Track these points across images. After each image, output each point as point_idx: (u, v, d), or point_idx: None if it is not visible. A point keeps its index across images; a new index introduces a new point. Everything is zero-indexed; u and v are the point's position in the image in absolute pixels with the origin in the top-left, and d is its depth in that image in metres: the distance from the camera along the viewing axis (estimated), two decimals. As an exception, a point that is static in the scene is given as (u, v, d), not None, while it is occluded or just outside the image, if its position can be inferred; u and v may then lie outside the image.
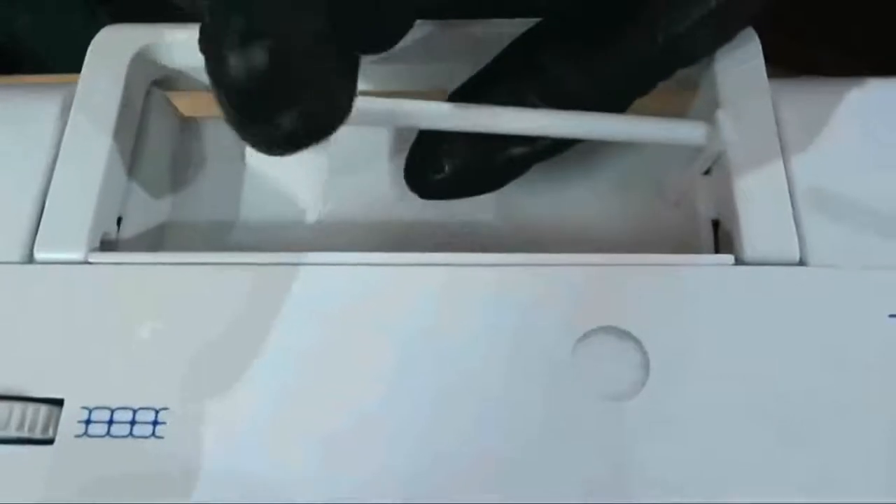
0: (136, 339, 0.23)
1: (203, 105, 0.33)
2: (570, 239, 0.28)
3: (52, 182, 0.25)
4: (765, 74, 0.26)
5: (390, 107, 0.24)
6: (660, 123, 0.25)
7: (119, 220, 0.27)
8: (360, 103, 0.24)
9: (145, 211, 0.28)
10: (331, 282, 0.23)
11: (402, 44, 0.23)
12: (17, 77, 0.42)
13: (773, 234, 0.23)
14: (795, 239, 0.23)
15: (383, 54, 0.23)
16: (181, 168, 0.30)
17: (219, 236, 0.28)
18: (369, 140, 0.29)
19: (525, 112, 0.24)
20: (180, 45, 0.28)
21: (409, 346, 0.22)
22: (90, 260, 0.24)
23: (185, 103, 0.32)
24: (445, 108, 0.24)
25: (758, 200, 0.24)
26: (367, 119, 0.24)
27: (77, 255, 0.24)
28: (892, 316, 0.23)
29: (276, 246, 0.27)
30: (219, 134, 0.31)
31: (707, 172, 0.27)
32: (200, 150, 0.31)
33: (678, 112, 0.30)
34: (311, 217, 0.28)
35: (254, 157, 0.30)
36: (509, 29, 0.27)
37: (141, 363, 0.22)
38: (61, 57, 0.35)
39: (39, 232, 0.24)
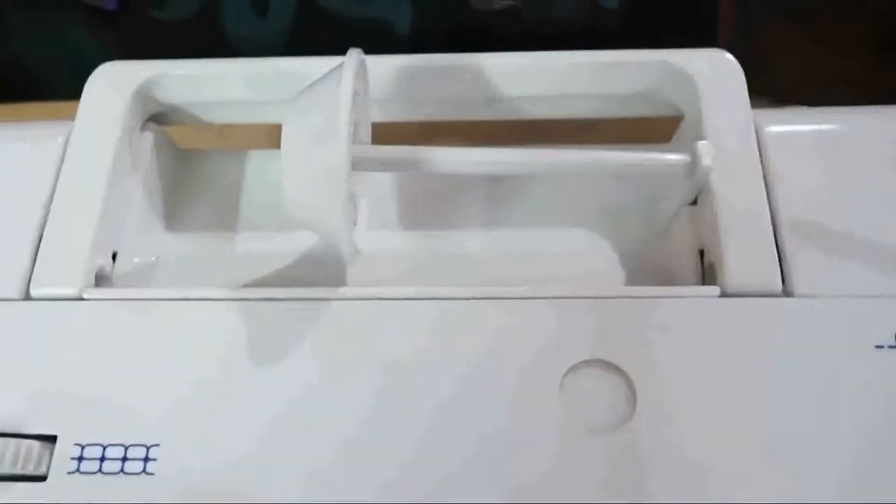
0: (129, 375, 0.23)
1: (202, 137, 0.33)
2: (557, 268, 0.28)
3: (49, 219, 0.26)
4: (748, 105, 0.27)
5: (404, 154, 0.25)
6: (643, 156, 0.25)
7: (115, 255, 0.27)
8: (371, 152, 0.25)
9: (141, 244, 0.28)
10: (323, 316, 0.24)
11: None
12: (17, 106, 0.43)
13: (756, 265, 0.24)
14: (778, 270, 0.24)
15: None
16: (178, 201, 0.31)
17: (213, 269, 0.29)
18: (369, 180, 0.30)
19: (514, 151, 0.25)
20: (177, 81, 0.29)
21: (395, 379, 0.23)
22: (84, 296, 0.24)
23: (183, 135, 0.32)
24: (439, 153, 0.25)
25: (740, 232, 0.24)
26: (379, 166, 0.25)
27: (71, 292, 0.24)
28: (878, 346, 0.23)
29: (271, 280, 0.28)
30: (216, 166, 0.32)
31: (694, 202, 0.27)
32: (198, 182, 0.31)
33: (664, 137, 0.30)
34: (307, 251, 0.29)
35: (251, 190, 0.31)
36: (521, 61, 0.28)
37: (133, 399, 0.23)
38: (61, 82, 0.35)
39: (35, 269, 0.25)
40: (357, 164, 0.25)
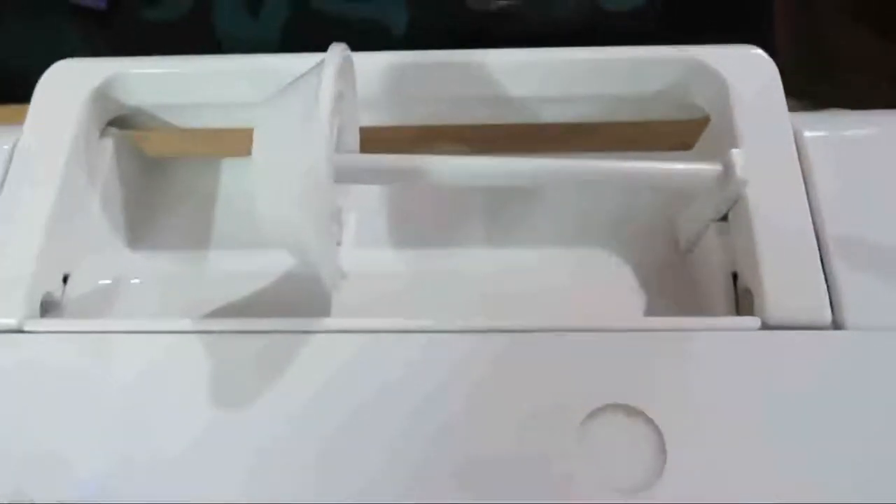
0: (73, 421, 0.20)
1: (174, 143, 0.30)
2: (568, 292, 0.25)
3: (-10, 239, 0.22)
4: (785, 107, 0.24)
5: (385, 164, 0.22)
6: (668, 166, 0.22)
7: (66, 278, 0.24)
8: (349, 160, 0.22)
9: (98, 265, 0.25)
10: (303, 351, 0.21)
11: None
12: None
13: (801, 293, 0.21)
14: (827, 298, 0.21)
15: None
16: (143, 214, 0.27)
17: (179, 294, 0.25)
18: (357, 191, 0.27)
19: (530, 160, 0.22)
20: (140, 81, 0.26)
21: (384, 427, 0.19)
22: (25, 328, 0.21)
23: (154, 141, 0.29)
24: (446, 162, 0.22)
25: (782, 253, 0.21)
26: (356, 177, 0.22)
27: (11, 322, 0.21)
28: (940, 384, 0.20)
29: (245, 308, 0.24)
30: (188, 175, 0.28)
31: (724, 218, 0.24)
32: (167, 193, 0.28)
33: (673, 142, 0.27)
34: (287, 271, 0.26)
35: (227, 201, 0.28)
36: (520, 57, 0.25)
37: (76, 452, 0.19)
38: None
39: None
40: (341, 175, 0.22)
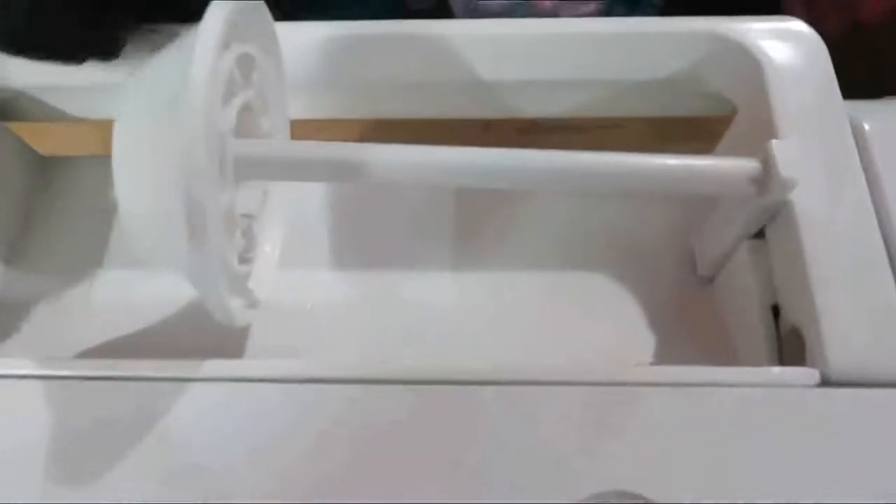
0: None
1: (70, 139, 0.25)
2: (555, 330, 0.19)
3: None
4: (839, 93, 0.18)
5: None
6: (689, 162, 0.17)
7: None
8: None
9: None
10: (195, 401, 0.15)
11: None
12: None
13: (870, 339, 0.15)
14: (907, 345, 0.15)
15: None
16: (27, 222, 0.22)
17: (57, 324, 0.20)
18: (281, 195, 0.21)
19: (512, 153, 0.17)
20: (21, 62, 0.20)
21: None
22: None
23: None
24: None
25: (845, 283, 0.16)
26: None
27: None
28: None
29: (130, 342, 0.19)
30: (85, 176, 0.23)
31: (759, 234, 0.18)
32: (57, 197, 0.23)
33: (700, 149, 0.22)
34: (179, 298, 0.20)
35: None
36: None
37: None
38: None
39: None
40: (243, 170, 0.16)
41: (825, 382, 0.15)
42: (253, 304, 0.17)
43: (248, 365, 0.16)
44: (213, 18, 0.14)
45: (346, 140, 0.20)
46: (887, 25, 0.33)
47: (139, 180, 0.14)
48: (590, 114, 0.22)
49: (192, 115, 0.13)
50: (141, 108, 0.14)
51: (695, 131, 0.22)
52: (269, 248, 0.18)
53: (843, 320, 0.15)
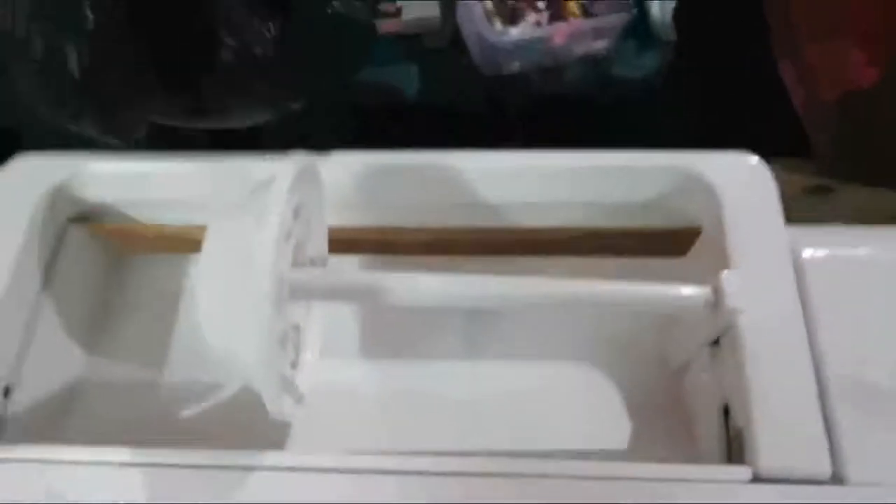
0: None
1: (140, 239, 0.29)
2: (546, 418, 0.23)
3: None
4: (783, 222, 0.22)
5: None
6: (651, 289, 0.20)
7: (9, 390, 0.22)
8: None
9: (48, 375, 0.24)
10: (253, 488, 0.19)
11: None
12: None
13: (798, 441, 0.19)
14: (827, 448, 0.18)
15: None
16: (105, 314, 0.26)
17: (134, 407, 0.24)
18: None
19: (501, 280, 0.20)
20: (103, 178, 0.25)
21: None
22: (-44, 452, 0.20)
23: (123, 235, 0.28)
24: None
25: (777, 394, 0.19)
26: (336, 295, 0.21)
27: (-60, 446, 0.20)
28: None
29: (197, 430, 0.23)
30: (157, 273, 0.27)
31: (716, 342, 0.22)
32: (131, 292, 0.27)
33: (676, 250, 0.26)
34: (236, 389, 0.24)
35: (189, 305, 0.26)
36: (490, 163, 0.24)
37: None
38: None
39: None
40: (298, 292, 0.20)
41: (756, 479, 0.18)
42: (299, 400, 0.21)
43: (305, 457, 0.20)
44: (281, 191, 0.18)
45: (376, 238, 0.24)
46: (878, 93, 0.35)
47: (217, 310, 0.18)
48: (583, 225, 0.25)
49: (263, 275, 0.17)
50: (221, 250, 0.18)
51: (670, 241, 0.25)
52: (310, 355, 0.22)
53: (774, 426, 0.19)
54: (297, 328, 0.21)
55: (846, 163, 0.37)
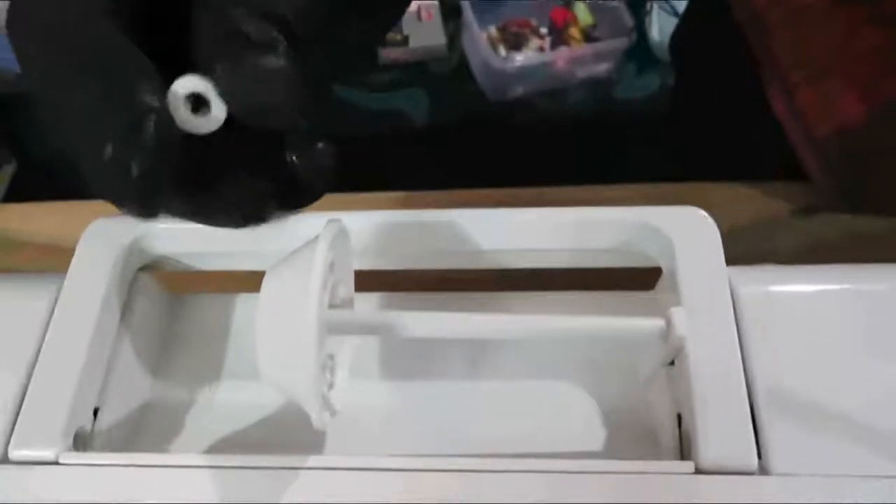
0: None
1: (194, 281, 0.34)
2: (533, 427, 0.28)
3: (33, 377, 0.26)
4: (724, 266, 0.27)
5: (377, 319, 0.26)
6: (613, 322, 0.25)
7: (96, 411, 0.27)
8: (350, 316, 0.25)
9: (126, 397, 0.29)
10: (302, 485, 0.24)
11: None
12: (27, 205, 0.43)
13: (730, 439, 0.23)
14: (754, 445, 0.23)
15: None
16: (166, 346, 0.31)
17: (196, 424, 0.29)
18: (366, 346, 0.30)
19: (493, 318, 0.26)
20: (167, 234, 0.30)
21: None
22: (60, 460, 0.25)
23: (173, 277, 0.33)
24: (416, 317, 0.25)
25: (715, 402, 0.24)
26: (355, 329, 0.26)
27: (48, 455, 0.25)
28: (860, 530, 0.22)
29: (252, 437, 0.28)
30: (206, 309, 0.32)
31: (672, 363, 0.27)
32: (186, 327, 0.32)
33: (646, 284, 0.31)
34: (280, 405, 0.29)
35: (239, 335, 0.31)
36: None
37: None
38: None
39: (15, 430, 0.25)
40: (333, 329, 0.25)
41: (698, 471, 0.23)
42: (334, 413, 0.26)
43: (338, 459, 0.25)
44: (322, 251, 0.23)
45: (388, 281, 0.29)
46: (869, 128, 0.37)
47: (272, 346, 0.23)
48: (562, 265, 0.30)
49: (309, 312, 0.22)
50: (273, 301, 0.23)
51: (638, 278, 0.30)
52: (340, 377, 0.27)
53: (713, 429, 0.23)
54: (331, 356, 0.26)
55: (841, 194, 0.39)
